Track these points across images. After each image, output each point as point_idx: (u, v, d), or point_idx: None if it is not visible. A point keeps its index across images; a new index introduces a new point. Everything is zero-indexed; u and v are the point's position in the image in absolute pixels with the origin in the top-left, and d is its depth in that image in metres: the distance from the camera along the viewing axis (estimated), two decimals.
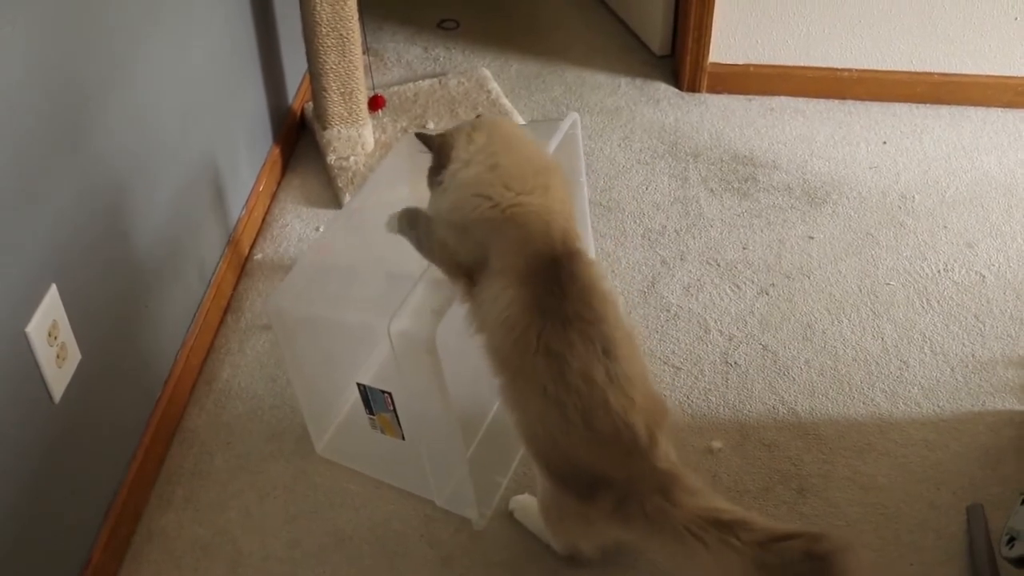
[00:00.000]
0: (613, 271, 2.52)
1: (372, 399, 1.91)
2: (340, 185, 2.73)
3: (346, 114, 2.76)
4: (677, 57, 3.24)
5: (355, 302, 2.01)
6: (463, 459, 1.86)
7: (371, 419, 1.95)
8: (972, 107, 3.08)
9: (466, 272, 1.69)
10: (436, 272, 1.79)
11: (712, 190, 2.79)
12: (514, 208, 1.64)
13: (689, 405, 2.18)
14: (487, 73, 3.18)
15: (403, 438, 1.93)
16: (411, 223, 1.81)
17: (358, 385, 1.92)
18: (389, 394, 1.87)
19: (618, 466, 1.61)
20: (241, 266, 2.53)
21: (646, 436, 1.59)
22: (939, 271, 2.51)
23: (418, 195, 2.33)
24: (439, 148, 1.73)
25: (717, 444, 2.09)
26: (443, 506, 1.97)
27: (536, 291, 1.60)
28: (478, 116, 1.82)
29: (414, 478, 1.98)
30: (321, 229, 2.66)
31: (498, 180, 1.66)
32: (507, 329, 1.61)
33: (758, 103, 3.14)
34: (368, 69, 2.91)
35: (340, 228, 2.22)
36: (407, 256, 1.90)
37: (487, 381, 1.67)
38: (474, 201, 1.66)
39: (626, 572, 1.84)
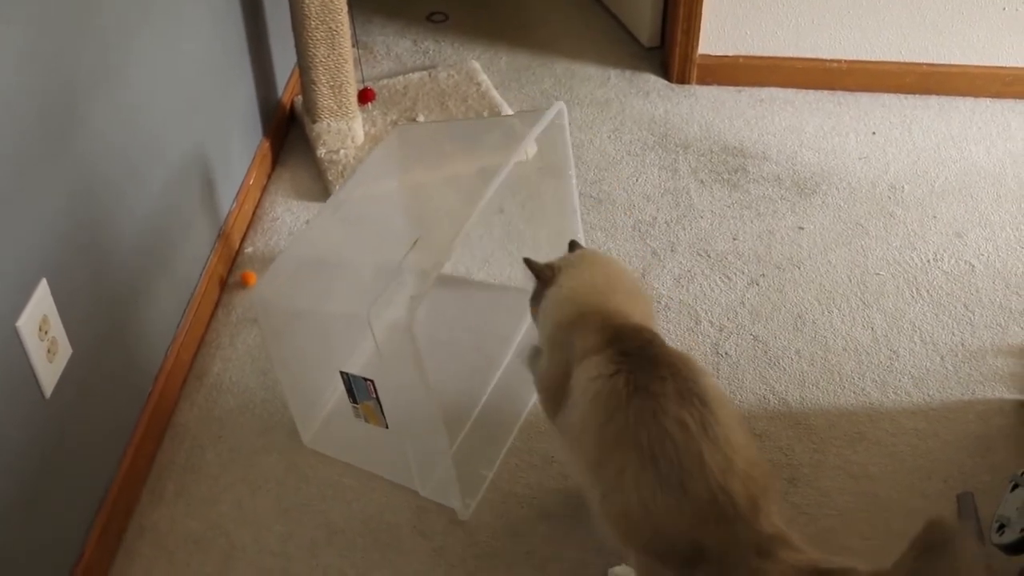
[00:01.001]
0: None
1: (355, 387, 1.91)
2: (330, 178, 2.72)
3: (336, 107, 2.75)
4: (666, 49, 3.24)
5: (339, 293, 2.01)
6: (446, 447, 1.86)
7: (355, 408, 1.95)
8: (961, 97, 3.09)
9: (558, 400, 1.72)
10: (416, 261, 1.80)
11: (702, 181, 2.79)
12: (596, 305, 1.73)
13: None
14: (477, 66, 3.18)
15: (386, 426, 1.93)
16: (531, 361, 1.91)
17: (341, 373, 1.92)
18: (371, 382, 1.87)
19: (715, 532, 1.49)
20: (232, 260, 2.52)
21: (746, 502, 1.49)
22: (929, 261, 2.52)
23: (406, 188, 2.34)
24: (541, 274, 1.83)
25: None
26: (427, 496, 1.98)
27: (621, 346, 1.63)
28: (573, 243, 1.97)
29: (399, 469, 1.99)
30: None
31: (587, 291, 1.77)
32: (596, 398, 1.60)
33: (747, 94, 3.14)
34: (357, 62, 2.90)
35: (326, 220, 2.22)
36: (391, 247, 1.90)
37: (475, 374, 1.68)
38: (564, 306, 1.76)
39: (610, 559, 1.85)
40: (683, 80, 3.18)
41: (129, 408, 2.00)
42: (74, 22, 1.73)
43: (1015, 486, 1.77)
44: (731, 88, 3.16)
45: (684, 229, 2.63)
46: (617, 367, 1.60)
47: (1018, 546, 1.65)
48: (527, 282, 2.45)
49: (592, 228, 2.62)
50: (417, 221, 2.34)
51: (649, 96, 3.15)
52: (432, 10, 3.58)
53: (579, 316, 1.73)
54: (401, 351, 1.73)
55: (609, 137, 2.97)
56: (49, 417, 1.67)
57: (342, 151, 2.79)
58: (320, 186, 2.77)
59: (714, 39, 3.11)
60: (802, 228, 2.63)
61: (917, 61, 3.07)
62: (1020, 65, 3.04)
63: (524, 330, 2.31)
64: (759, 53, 3.12)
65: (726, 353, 2.28)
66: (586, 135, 2.97)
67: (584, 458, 1.64)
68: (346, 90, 2.74)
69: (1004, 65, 3.04)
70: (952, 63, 3.06)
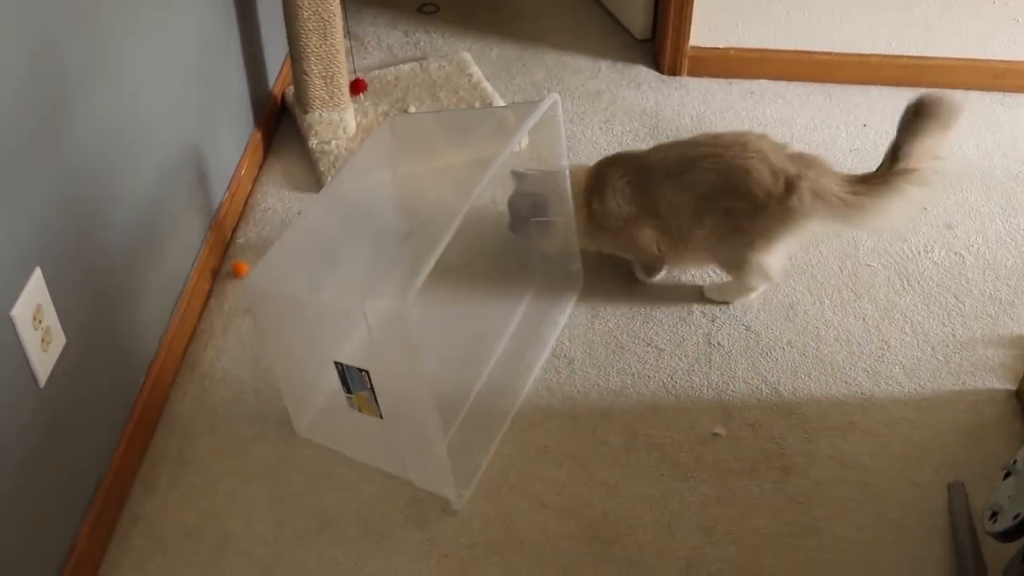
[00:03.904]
0: (595, 254, 2.52)
1: (349, 377, 1.90)
2: (322, 169, 2.72)
3: (328, 98, 2.75)
4: (658, 41, 3.24)
5: (332, 283, 2.01)
6: (440, 437, 1.86)
7: (349, 398, 1.95)
8: (950, 90, 3.09)
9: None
10: (410, 252, 1.79)
11: None
12: None
13: (673, 386, 2.19)
14: (468, 57, 3.18)
15: (380, 416, 1.93)
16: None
17: (335, 363, 1.91)
18: (366, 372, 1.87)
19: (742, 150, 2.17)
20: (224, 250, 2.52)
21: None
22: (919, 252, 2.53)
23: (398, 179, 2.34)
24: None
25: (721, 430, 2.09)
26: (421, 486, 1.98)
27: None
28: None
29: (393, 459, 1.99)
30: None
31: None
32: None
33: (738, 86, 3.14)
34: (349, 53, 2.90)
35: (319, 210, 2.22)
36: (384, 237, 1.89)
37: (468, 364, 1.66)
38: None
39: (610, 548, 1.86)
40: (674, 72, 3.18)
41: (122, 398, 2.00)
42: (67, 11, 1.72)
43: (1007, 474, 1.78)
44: (722, 80, 3.17)
45: None
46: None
47: (1011, 534, 1.66)
48: (518, 271, 2.47)
49: None
50: (410, 212, 2.33)
51: (640, 88, 3.15)
52: (423, 1, 3.57)
53: None
54: (395, 341, 1.73)
55: (600, 128, 2.97)
56: (43, 407, 1.66)
57: (334, 142, 2.79)
58: (312, 177, 2.76)
59: (705, 31, 3.11)
60: None
61: (907, 54, 3.08)
62: (1009, 58, 3.05)
63: (517, 320, 2.32)
64: (750, 45, 3.12)
65: (718, 343, 2.29)
66: (577, 126, 2.97)
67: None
68: (338, 80, 2.73)
69: (993, 58, 3.05)
70: (942, 56, 3.07)
